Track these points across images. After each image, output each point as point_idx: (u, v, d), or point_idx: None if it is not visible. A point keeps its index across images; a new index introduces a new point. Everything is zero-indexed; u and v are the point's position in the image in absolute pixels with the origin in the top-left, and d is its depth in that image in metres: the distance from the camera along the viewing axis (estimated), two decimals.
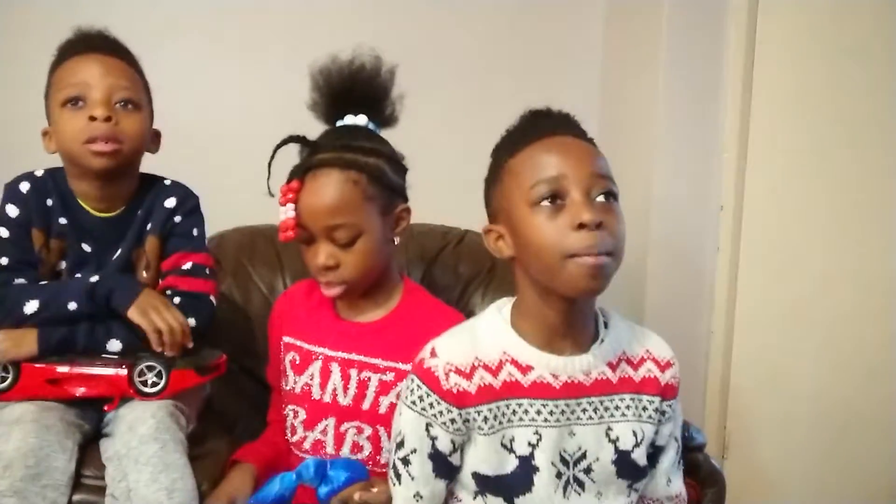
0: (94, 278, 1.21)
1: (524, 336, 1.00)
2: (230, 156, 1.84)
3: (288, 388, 1.28)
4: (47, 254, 1.27)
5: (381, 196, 1.18)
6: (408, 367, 1.16)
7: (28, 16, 1.79)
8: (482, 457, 0.99)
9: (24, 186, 1.27)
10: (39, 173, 1.29)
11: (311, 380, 1.25)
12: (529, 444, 0.98)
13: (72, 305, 1.19)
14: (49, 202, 1.27)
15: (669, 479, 1.08)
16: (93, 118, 1.20)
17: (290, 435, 1.27)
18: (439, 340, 1.01)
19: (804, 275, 1.83)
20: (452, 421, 0.98)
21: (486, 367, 0.98)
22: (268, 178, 1.17)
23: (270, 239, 1.63)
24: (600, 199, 0.94)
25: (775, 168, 1.82)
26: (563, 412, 0.99)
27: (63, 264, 1.28)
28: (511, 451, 0.99)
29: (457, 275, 1.61)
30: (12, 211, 1.26)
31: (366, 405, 1.22)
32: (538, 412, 0.99)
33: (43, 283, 1.24)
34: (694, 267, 1.87)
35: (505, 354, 0.99)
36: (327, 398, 1.23)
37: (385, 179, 1.19)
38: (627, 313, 1.82)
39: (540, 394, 0.99)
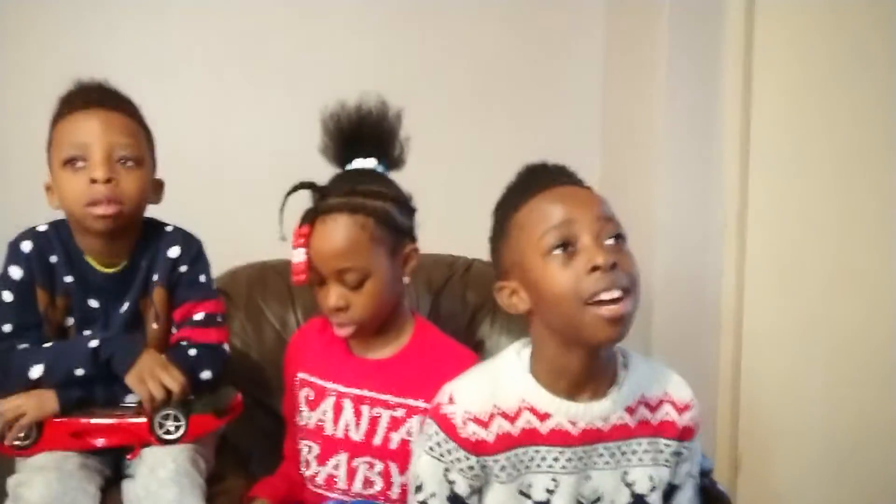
0: (95, 343, 1.20)
1: (543, 383, 1.00)
2: (241, 191, 1.87)
3: (302, 423, 1.30)
4: (53, 312, 1.26)
5: (389, 238, 1.21)
6: (418, 403, 1.21)
7: (32, 59, 1.81)
8: (500, 501, 1.00)
9: (27, 246, 1.26)
10: (42, 229, 1.28)
11: (324, 415, 1.27)
12: (547, 490, 1.00)
13: (78, 371, 1.20)
14: (53, 259, 1.26)
15: None
16: (94, 180, 1.19)
17: (304, 469, 1.30)
18: (457, 385, 1.02)
19: (811, 292, 1.83)
20: (470, 468, 0.99)
21: (504, 415, 0.99)
22: (280, 224, 1.20)
23: (282, 274, 1.65)
24: (610, 241, 0.95)
25: (776, 186, 1.83)
26: (580, 458, 1.00)
27: (70, 320, 1.28)
28: (528, 497, 1.00)
29: (464, 303, 1.62)
30: (15, 272, 1.25)
31: (377, 441, 1.24)
32: (556, 459, 0.99)
33: (47, 345, 1.23)
34: (699, 288, 1.88)
35: (524, 402, 1.00)
36: (340, 434, 1.26)
37: (392, 222, 1.21)
38: (633, 337, 1.83)
39: (558, 441, 0.99)
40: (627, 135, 1.97)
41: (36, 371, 1.20)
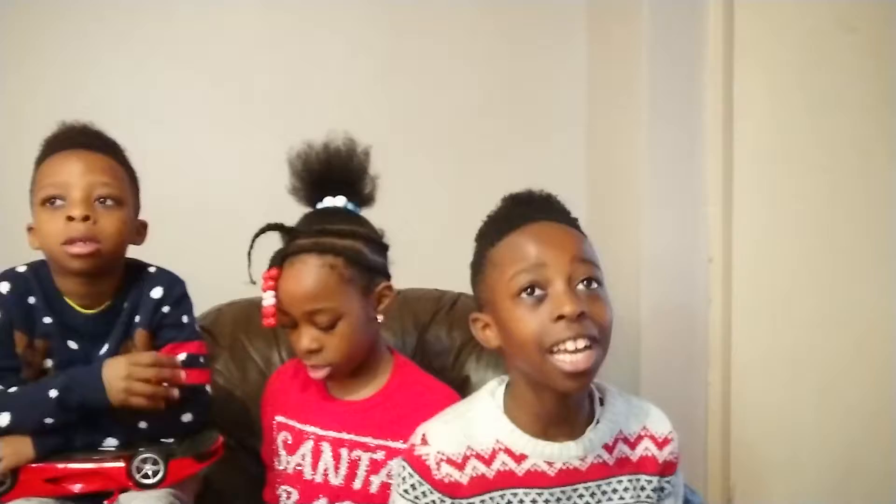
0: (54, 392, 1.15)
1: (518, 424, 0.99)
2: (224, 229, 1.83)
3: (281, 467, 1.28)
4: (32, 354, 1.24)
5: (360, 277, 1.20)
6: (398, 444, 1.19)
7: (15, 101, 1.82)
8: None
9: (5, 287, 1.24)
10: (21, 269, 1.27)
11: (302, 460, 1.25)
12: None
13: (48, 420, 1.17)
14: (31, 300, 1.24)
15: None
16: (70, 218, 1.18)
17: None
18: (430, 426, 1.01)
19: (799, 322, 1.83)
20: None
21: (478, 457, 0.98)
22: (248, 267, 1.21)
23: None
24: (582, 286, 0.93)
25: (761, 217, 1.83)
26: (558, 500, 0.99)
27: (49, 362, 1.26)
28: None
29: (451, 339, 1.61)
30: None
31: (357, 484, 1.22)
32: (533, 501, 0.98)
33: (12, 390, 1.20)
34: (687, 320, 1.88)
35: (498, 443, 0.99)
36: (319, 478, 1.24)
37: (363, 260, 1.21)
38: (622, 370, 1.83)
39: (535, 483, 0.98)
40: (612, 167, 1.97)
41: (2, 419, 1.17)
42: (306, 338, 1.18)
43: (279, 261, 1.19)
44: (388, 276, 1.27)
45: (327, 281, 1.17)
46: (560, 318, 0.91)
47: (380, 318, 1.24)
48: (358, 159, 1.26)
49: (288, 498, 1.27)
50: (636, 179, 1.86)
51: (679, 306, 1.87)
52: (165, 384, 1.18)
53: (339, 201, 1.26)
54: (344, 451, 1.23)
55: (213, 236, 1.85)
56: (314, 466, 1.24)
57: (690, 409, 1.87)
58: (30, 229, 1.26)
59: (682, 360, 1.87)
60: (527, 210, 1.00)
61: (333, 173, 1.25)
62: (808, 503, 1.84)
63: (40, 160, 1.25)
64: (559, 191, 1.07)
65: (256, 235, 1.21)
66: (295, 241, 1.19)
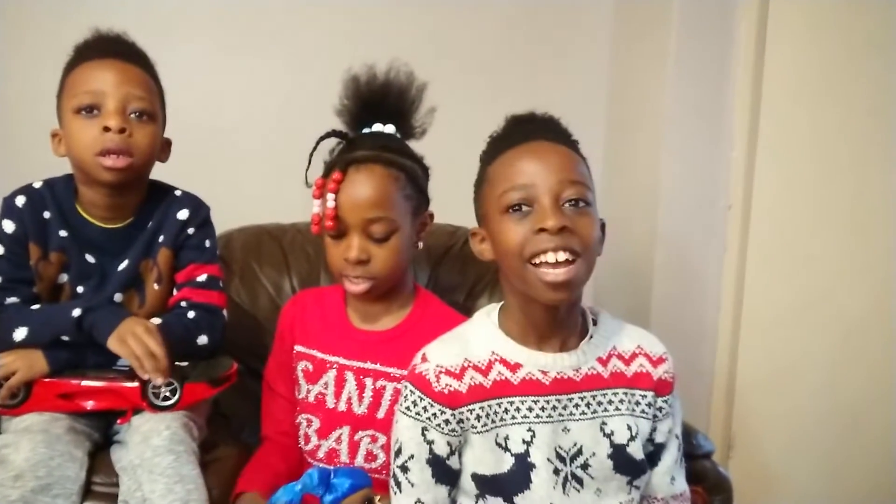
0: (77, 312, 1.17)
1: (512, 336, 1.03)
2: (234, 155, 1.84)
3: (301, 396, 1.27)
4: (46, 267, 1.24)
5: (415, 197, 1.22)
6: None
7: (29, 18, 1.76)
8: (479, 457, 1.01)
9: (20, 200, 1.24)
10: (37, 185, 1.26)
11: (325, 388, 1.25)
12: (524, 441, 1.00)
13: (64, 338, 1.17)
14: (46, 215, 1.24)
15: (673, 477, 1.09)
16: (107, 129, 1.17)
17: (303, 444, 1.27)
18: (430, 346, 1.04)
19: (812, 274, 1.82)
20: (447, 422, 1.00)
21: (476, 368, 1.01)
22: (307, 169, 1.21)
23: (277, 239, 1.63)
24: (569, 205, 0.96)
25: (784, 166, 1.81)
26: (554, 408, 1.01)
27: (64, 277, 1.25)
28: (506, 449, 1.00)
29: (464, 275, 1.60)
30: (8, 226, 1.23)
31: (381, 414, 1.22)
32: (530, 409, 1.01)
33: (33, 307, 1.21)
34: (701, 266, 1.87)
35: (494, 354, 1.02)
36: (342, 407, 1.24)
37: (419, 182, 1.23)
38: (633, 311, 1.82)
39: (530, 391, 1.01)
40: (634, 109, 1.93)
41: (20, 333, 1.18)
42: (357, 248, 1.18)
43: (343, 166, 1.17)
44: (429, 206, 1.28)
45: (391, 191, 1.18)
46: (542, 230, 0.94)
47: (420, 244, 1.26)
48: (413, 93, 1.26)
49: (309, 426, 1.26)
50: (658, 120, 1.83)
51: (694, 251, 1.86)
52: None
53: (390, 129, 1.25)
54: (368, 381, 1.23)
55: (222, 161, 1.82)
56: (337, 395, 1.24)
57: (698, 356, 1.88)
58: (55, 136, 1.24)
59: (692, 306, 1.87)
60: (526, 129, 1.03)
61: (389, 100, 1.24)
62: (809, 455, 1.87)
63: (71, 66, 1.23)
64: (577, 131, 1.06)
65: (322, 138, 1.22)
66: (358, 151, 1.19)
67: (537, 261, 0.95)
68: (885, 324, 1.78)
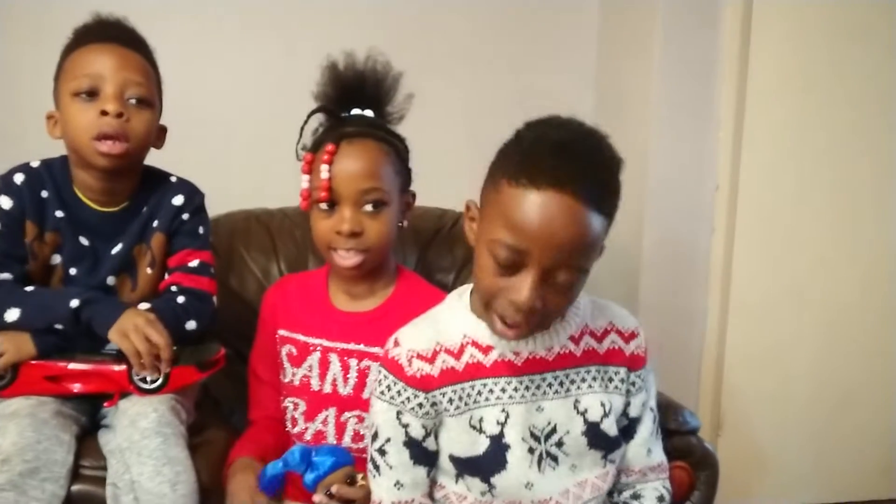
0: (76, 302, 1.17)
1: (484, 318, 1.01)
2: (222, 140, 1.84)
3: (286, 380, 1.28)
4: (40, 247, 1.24)
5: (403, 173, 1.25)
6: None
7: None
8: (454, 439, 1.01)
9: (19, 178, 1.24)
10: (35, 164, 1.26)
11: (309, 371, 1.25)
12: (498, 422, 1.01)
13: (57, 326, 1.17)
14: (44, 194, 1.24)
15: (649, 449, 1.09)
16: (104, 112, 1.17)
17: (290, 427, 1.27)
18: (402, 330, 1.05)
19: (800, 254, 1.83)
20: (420, 405, 1.00)
21: (448, 351, 1.01)
22: (298, 142, 1.23)
23: (265, 223, 1.62)
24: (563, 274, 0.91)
25: (771, 148, 1.81)
26: (527, 388, 1.02)
27: (57, 258, 1.25)
28: (481, 431, 1.01)
29: (452, 258, 1.60)
30: (5, 203, 1.22)
31: (366, 394, 1.22)
32: (503, 390, 1.01)
33: (27, 289, 1.21)
34: (689, 247, 1.88)
35: (466, 337, 1.02)
36: (327, 389, 1.24)
37: (405, 160, 1.26)
38: (622, 293, 1.82)
39: (503, 372, 1.02)
40: (623, 93, 1.93)
41: (11, 315, 1.17)
42: (350, 219, 1.19)
43: (336, 139, 1.18)
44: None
45: (385, 164, 1.21)
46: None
47: (405, 223, 1.27)
48: (391, 81, 1.26)
49: (295, 409, 1.26)
50: (646, 102, 1.83)
51: (682, 232, 1.87)
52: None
53: (368, 114, 1.26)
54: (353, 362, 1.23)
55: (209, 147, 1.81)
56: (322, 377, 1.24)
57: (686, 337, 1.88)
58: (50, 118, 1.24)
59: (681, 286, 1.88)
60: (556, 172, 0.90)
61: (367, 86, 1.25)
62: (799, 434, 1.88)
63: (70, 48, 1.22)
64: (567, 109, 1.02)
65: (312, 113, 1.24)
66: (349, 127, 1.21)
67: None
68: (874, 303, 1.79)
